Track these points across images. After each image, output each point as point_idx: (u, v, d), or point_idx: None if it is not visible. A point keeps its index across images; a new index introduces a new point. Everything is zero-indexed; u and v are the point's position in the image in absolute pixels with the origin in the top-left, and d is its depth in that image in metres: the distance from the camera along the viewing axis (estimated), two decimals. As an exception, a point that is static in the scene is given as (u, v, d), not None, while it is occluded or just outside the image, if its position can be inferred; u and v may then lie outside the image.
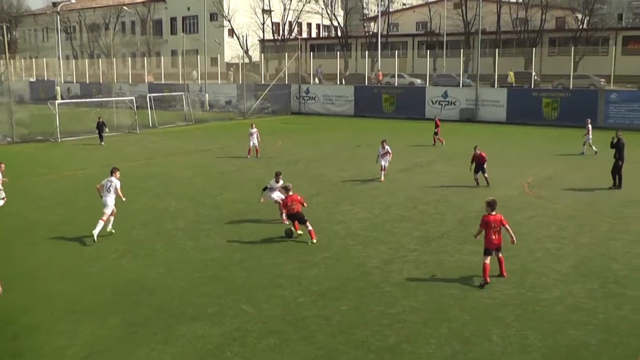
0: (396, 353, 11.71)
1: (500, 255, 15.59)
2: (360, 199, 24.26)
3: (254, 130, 34.99)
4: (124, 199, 19.64)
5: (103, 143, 41.43)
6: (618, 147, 26.36)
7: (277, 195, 20.93)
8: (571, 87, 53.86)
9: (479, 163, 26.90)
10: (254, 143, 34.78)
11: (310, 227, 18.61)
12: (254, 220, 21.19)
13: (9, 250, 18.25)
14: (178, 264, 16.67)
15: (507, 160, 33.40)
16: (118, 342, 12.17)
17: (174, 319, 13.09)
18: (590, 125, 35.28)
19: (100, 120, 42.41)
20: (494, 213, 15.35)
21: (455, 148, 37.60)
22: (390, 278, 15.50)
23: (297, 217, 18.86)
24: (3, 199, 21.87)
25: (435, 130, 39.84)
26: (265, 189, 21.47)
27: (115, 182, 19.29)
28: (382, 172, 28.10)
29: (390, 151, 28.31)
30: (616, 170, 26.31)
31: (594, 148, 34.48)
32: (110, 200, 19.06)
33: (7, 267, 16.58)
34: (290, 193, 19.13)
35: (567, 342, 12.15)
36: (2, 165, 22.34)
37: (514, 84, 57.89)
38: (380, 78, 67.35)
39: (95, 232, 18.53)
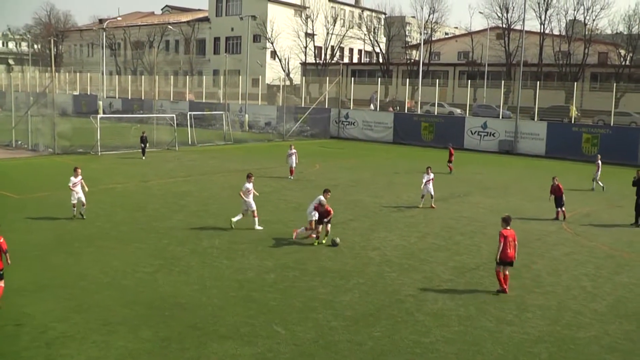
0: (428, 383, 11.62)
1: (507, 272, 16.76)
2: (397, 226, 24.17)
3: (293, 151, 35.49)
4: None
5: (145, 157, 42.11)
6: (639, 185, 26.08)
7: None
8: (612, 123, 53.23)
9: (557, 195, 26.90)
10: (291, 164, 35.19)
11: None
12: (289, 242, 21.20)
13: (47, 259, 18.50)
14: (212, 282, 16.73)
15: (546, 194, 33.00)
16: (150, 356, 12.23)
17: (207, 337, 13.12)
18: (600, 162, 34.94)
19: (144, 134, 43.13)
20: (508, 228, 16.59)
21: (493, 180, 37.41)
22: (424, 307, 15.39)
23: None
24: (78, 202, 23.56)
25: (450, 159, 40.26)
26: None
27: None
28: (431, 199, 28.11)
29: (433, 177, 28.26)
30: (638, 208, 26.08)
31: (602, 184, 34.33)
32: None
33: (45, 275, 16.90)
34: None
35: (602, 382, 11.94)
36: (79, 170, 23.86)
37: (574, 119, 56.60)
38: (411, 105, 67.33)
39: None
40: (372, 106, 67.50)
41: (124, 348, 12.51)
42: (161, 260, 18.56)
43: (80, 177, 23.51)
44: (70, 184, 23.23)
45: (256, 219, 22.91)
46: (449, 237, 22.83)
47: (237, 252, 19.76)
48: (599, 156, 35.97)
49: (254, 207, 22.75)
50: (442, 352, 12.89)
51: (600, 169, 34.67)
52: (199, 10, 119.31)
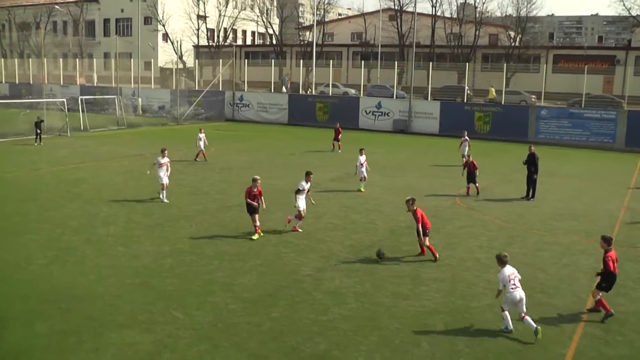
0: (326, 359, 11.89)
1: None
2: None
3: (202, 135, 36.16)
4: None
5: (41, 143, 41.07)
6: (532, 160, 27.35)
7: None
8: (503, 102, 55.18)
9: (470, 171, 27.77)
10: (200, 147, 35.79)
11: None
12: (186, 226, 21.11)
13: None
14: (108, 270, 16.49)
15: (439, 171, 34.06)
16: (46, 351, 11.99)
17: (104, 327, 12.97)
18: (467, 137, 36.91)
19: (40, 119, 41.83)
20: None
21: (389, 159, 38.20)
22: (321, 286, 15.69)
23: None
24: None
25: (336, 137, 41.68)
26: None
27: None
28: (362, 182, 28.58)
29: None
30: (530, 182, 27.44)
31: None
32: None
33: None
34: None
35: (496, 348, 12.57)
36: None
37: (494, 100, 57.68)
38: (289, 85, 67.81)
39: None
40: (284, 89, 67.14)
41: (15, 344, 12.20)
42: (55, 251, 18.11)
43: None
44: None
45: (164, 192, 24.51)
46: (345, 216, 23.23)
47: (132, 238, 19.53)
48: (465, 132, 38.06)
49: (165, 182, 24.47)
50: (340, 330, 13.21)
51: (469, 145, 36.26)
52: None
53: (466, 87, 59.52)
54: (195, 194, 26.27)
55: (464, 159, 31.88)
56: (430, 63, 60.46)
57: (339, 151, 40.77)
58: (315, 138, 41.41)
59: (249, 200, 19.83)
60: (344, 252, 18.71)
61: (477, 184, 27.98)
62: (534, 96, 59.84)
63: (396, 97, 59.99)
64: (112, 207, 23.76)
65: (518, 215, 24.35)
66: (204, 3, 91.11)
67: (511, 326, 13.32)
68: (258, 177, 20.43)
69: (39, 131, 41.46)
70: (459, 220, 23.30)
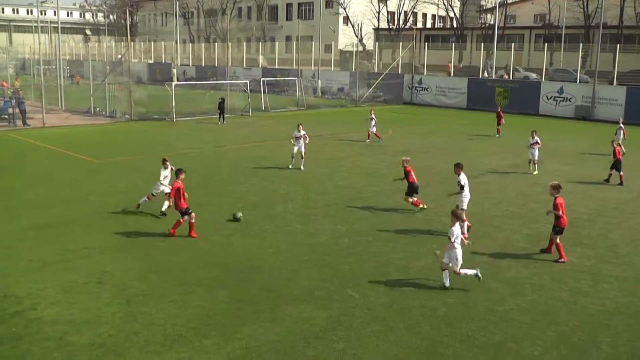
0: (501, 351, 11.52)
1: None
2: (472, 194, 23.86)
3: (373, 116, 36.46)
4: None
5: (225, 122, 43.34)
6: None
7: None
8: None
9: (616, 159, 26.52)
10: (371, 129, 36.31)
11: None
12: (362, 207, 21.28)
13: (126, 220, 19.07)
14: (286, 245, 16.94)
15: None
16: (226, 316, 12.50)
17: (281, 299, 13.33)
18: (622, 125, 35.05)
19: (222, 100, 43.94)
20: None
21: (568, 147, 36.57)
22: (498, 275, 15.25)
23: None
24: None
25: (499, 121, 40.37)
26: None
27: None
28: (535, 164, 28.21)
29: (539, 142, 28.19)
30: None
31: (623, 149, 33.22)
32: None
33: (124, 235, 17.42)
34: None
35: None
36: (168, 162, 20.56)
37: None
38: (450, 68, 66.05)
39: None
40: (485, 73, 65.70)
41: (200, 307, 12.83)
42: (236, 224, 18.84)
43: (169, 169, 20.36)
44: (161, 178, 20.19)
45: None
46: (523, 205, 22.47)
47: (310, 216, 19.92)
48: (621, 119, 36.39)
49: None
50: (515, 321, 12.76)
51: (624, 133, 34.43)
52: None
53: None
54: (372, 176, 26.39)
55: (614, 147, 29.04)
56: (617, 45, 57.00)
57: (498, 135, 39.96)
58: (494, 123, 40.30)
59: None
60: (522, 242, 18.09)
61: (621, 172, 26.32)
62: None
63: (579, 82, 57.25)
64: (293, 185, 24.41)
65: None
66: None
67: (448, 283, 14.18)
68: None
69: (221, 111, 43.43)
70: (644, 214, 21.83)
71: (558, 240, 16.61)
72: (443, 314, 12.90)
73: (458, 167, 19.09)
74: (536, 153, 28.16)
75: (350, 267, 15.39)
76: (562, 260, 16.35)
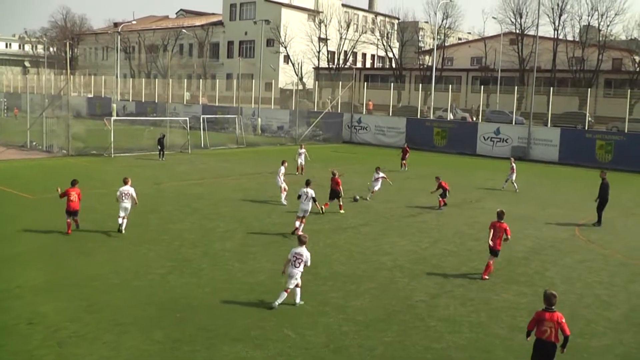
0: (439, 389, 11.57)
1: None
2: (409, 232, 24.12)
3: (303, 150, 39.20)
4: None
5: (164, 159, 42.97)
6: (602, 187, 27.42)
7: None
8: (626, 130, 52.89)
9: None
10: (301, 162, 38.61)
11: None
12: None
13: (61, 259, 18.61)
14: (224, 284, 16.76)
15: (558, 201, 32.93)
16: (161, 357, 12.28)
17: (218, 339, 13.14)
18: (514, 164, 36.24)
19: (162, 135, 43.64)
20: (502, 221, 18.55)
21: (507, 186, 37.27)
22: (435, 313, 15.34)
23: None
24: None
25: (403, 156, 42.84)
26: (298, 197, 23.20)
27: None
28: (372, 194, 30.98)
29: (385, 176, 31.21)
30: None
31: (516, 185, 35.42)
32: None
33: (58, 274, 17.08)
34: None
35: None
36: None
37: None
38: (370, 108, 67.16)
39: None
40: (451, 115, 66.27)
41: (135, 349, 12.56)
42: (173, 262, 18.60)
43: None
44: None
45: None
46: (461, 243, 22.75)
47: (248, 255, 19.79)
48: (513, 159, 38.41)
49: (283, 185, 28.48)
50: (453, 359, 12.85)
51: (515, 172, 35.73)
52: (213, 14, 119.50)
53: (587, 114, 57.39)
54: (311, 214, 26.42)
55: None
56: (551, 88, 58.77)
57: (405, 169, 42.11)
58: (432, 163, 40.84)
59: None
60: (459, 280, 18.27)
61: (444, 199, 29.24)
62: (658, 125, 57.04)
63: (515, 123, 58.67)
64: (231, 223, 24.24)
65: (641, 250, 23.14)
66: (326, 26, 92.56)
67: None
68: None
69: (161, 147, 43.10)
70: (577, 253, 22.24)
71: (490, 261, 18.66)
72: (380, 354, 12.88)
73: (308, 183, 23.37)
74: (378, 185, 30.84)
75: (288, 306, 15.25)
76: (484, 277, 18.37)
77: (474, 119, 63.95)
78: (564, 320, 11.39)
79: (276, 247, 20.80)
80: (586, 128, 55.23)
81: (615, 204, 31.67)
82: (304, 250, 15.18)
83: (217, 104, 77.94)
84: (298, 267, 15.08)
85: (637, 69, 75.42)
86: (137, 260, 18.44)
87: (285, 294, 15.13)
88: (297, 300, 15.37)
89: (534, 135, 54.93)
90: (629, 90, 56.99)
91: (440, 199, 29.22)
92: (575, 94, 68.12)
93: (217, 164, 42.47)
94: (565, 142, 53.08)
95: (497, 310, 15.82)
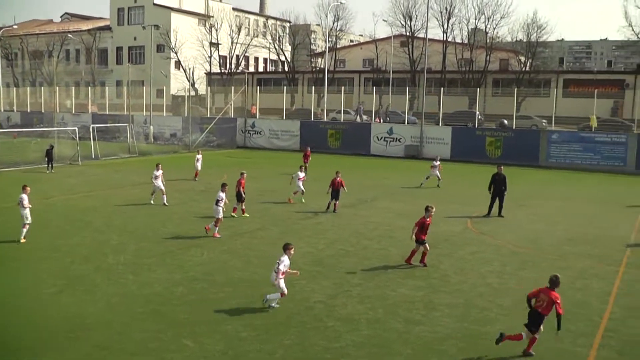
0: (339, 389, 11.67)
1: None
2: (305, 234, 24.24)
3: (199, 156, 39.87)
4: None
5: (53, 171, 41.60)
6: (495, 179, 28.76)
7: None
8: (514, 127, 55.09)
9: (335, 189, 28.62)
10: (197, 168, 39.25)
11: None
12: (197, 254, 20.96)
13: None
14: (119, 299, 16.32)
15: (451, 196, 33.84)
16: (54, 379, 11.83)
17: (114, 356, 12.80)
18: (438, 162, 38.27)
19: (50, 146, 42.20)
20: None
21: (400, 185, 38.06)
22: (333, 313, 15.48)
23: None
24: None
25: (305, 160, 42.54)
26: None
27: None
28: (299, 195, 31.39)
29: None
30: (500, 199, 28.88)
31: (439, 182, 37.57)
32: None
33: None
34: None
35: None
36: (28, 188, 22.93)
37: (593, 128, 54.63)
38: (254, 111, 67.82)
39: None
40: (358, 118, 66.56)
41: (25, 372, 12.06)
42: (65, 280, 17.95)
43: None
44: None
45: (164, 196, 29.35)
46: (357, 243, 23.05)
47: (143, 266, 19.36)
48: (438, 157, 40.47)
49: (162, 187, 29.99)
50: (352, 357, 13.00)
51: (438, 169, 37.70)
52: (100, 18, 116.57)
53: (477, 112, 59.46)
54: (207, 221, 26.12)
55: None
56: (442, 88, 60.61)
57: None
58: (327, 164, 41.16)
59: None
60: (356, 279, 18.49)
61: (337, 202, 29.02)
62: (544, 120, 59.93)
63: (408, 123, 59.99)
64: (125, 235, 23.67)
65: (530, 241, 24.14)
66: (217, 31, 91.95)
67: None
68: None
69: (49, 159, 41.68)
70: (470, 245, 23.10)
71: (414, 250, 19.99)
72: (280, 357, 12.89)
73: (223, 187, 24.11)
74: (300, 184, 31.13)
75: (186, 315, 15.06)
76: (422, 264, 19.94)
77: (381, 120, 64.91)
78: (559, 301, 12.95)
79: (172, 257, 20.47)
80: (476, 126, 57.09)
81: (506, 197, 32.92)
82: (282, 256, 15.71)
83: (107, 113, 75.82)
84: (277, 271, 15.52)
85: (523, 69, 78.63)
86: (27, 280, 17.71)
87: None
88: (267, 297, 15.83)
89: (427, 134, 56.40)
90: (515, 89, 59.45)
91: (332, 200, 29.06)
92: (465, 94, 70.49)
93: (109, 174, 41.40)
94: (456, 140, 54.80)
95: (394, 305, 16.14)
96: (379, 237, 24.15)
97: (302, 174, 31.62)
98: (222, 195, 23.68)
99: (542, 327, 13.11)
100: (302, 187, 31.20)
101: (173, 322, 14.67)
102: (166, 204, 29.75)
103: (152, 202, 30.05)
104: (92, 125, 55.28)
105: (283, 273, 15.55)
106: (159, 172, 30.41)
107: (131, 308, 15.58)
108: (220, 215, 23.49)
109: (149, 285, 17.44)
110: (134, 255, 20.76)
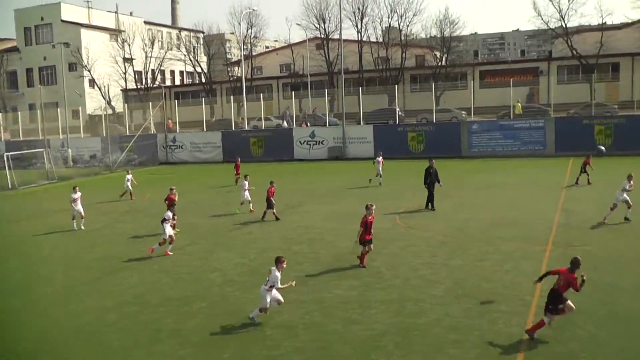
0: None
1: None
2: (235, 245, 24.07)
3: (129, 176, 38.62)
4: None
5: None
6: (429, 172, 29.25)
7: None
8: (434, 120, 56.00)
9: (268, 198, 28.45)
10: (128, 187, 38.14)
11: None
12: (127, 277, 20.49)
13: None
14: (49, 330, 15.81)
15: (378, 194, 34.10)
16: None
17: (46, 389, 12.38)
18: (381, 158, 38.74)
19: None
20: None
21: (326, 187, 38.18)
22: (271, 321, 15.40)
23: None
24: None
25: (236, 171, 41.96)
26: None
27: None
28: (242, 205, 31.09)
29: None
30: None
31: (380, 180, 38.11)
32: None
33: None
34: None
35: (447, 361, 12.48)
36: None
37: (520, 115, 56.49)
38: (170, 126, 67.47)
39: None
40: (285, 124, 65.86)
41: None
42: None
43: None
44: None
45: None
46: (288, 249, 22.96)
47: (71, 296, 18.75)
48: (381, 153, 40.51)
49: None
50: (293, 363, 12.95)
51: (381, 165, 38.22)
52: (6, 39, 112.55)
53: (397, 109, 60.18)
54: (135, 242, 25.63)
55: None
56: (360, 88, 61.11)
57: (236, 184, 41.08)
58: (251, 173, 40.74)
59: None
60: (291, 285, 18.43)
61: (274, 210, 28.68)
62: (464, 112, 61.26)
63: (329, 125, 60.26)
64: (49, 264, 22.95)
65: (457, 229, 24.65)
66: (129, 45, 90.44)
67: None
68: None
69: None
70: (400, 240, 23.40)
71: (361, 252, 19.97)
72: (220, 373, 12.73)
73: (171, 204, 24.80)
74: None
75: (120, 341, 14.70)
76: (361, 265, 19.80)
77: (308, 124, 64.87)
78: (576, 282, 13.44)
79: (101, 284, 19.90)
80: (397, 122, 57.76)
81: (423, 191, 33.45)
82: (272, 270, 15.32)
83: (21, 138, 73.20)
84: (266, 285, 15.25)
85: (439, 64, 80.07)
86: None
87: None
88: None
89: (349, 134, 56.79)
90: (433, 84, 60.52)
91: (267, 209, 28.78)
92: (384, 92, 71.25)
93: (27, 205, 40.00)
94: (378, 137, 55.36)
95: (330, 307, 16.22)
96: (308, 240, 24.16)
97: (247, 183, 31.40)
98: (169, 214, 23.42)
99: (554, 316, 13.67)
100: (248, 196, 30.90)
101: (108, 349, 14.30)
102: (82, 227, 29.14)
103: (74, 227, 29.17)
104: (6, 154, 52.83)
105: (271, 287, 15.25)
106: (77, 195, 29.31)
107: (62, 339, 15.11)
108: (167, 235, 22.90)
109: (79, 315, 16.87)
110: (61, 284, 20.09)
